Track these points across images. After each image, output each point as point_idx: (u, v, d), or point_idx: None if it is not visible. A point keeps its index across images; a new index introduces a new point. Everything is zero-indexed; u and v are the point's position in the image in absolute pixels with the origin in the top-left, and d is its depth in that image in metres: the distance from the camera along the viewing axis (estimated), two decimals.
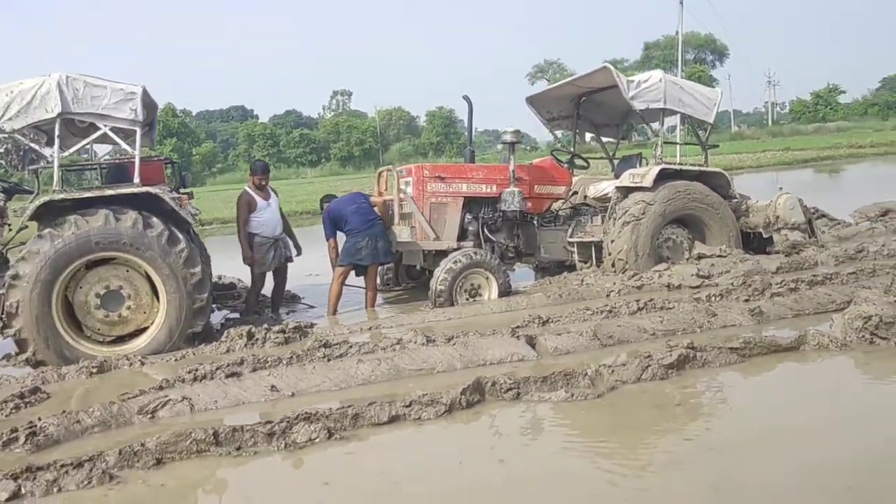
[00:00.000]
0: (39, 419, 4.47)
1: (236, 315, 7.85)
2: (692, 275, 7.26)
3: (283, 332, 6.48)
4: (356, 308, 8.00)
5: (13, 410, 4.98)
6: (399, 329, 6.55)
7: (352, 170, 64.29)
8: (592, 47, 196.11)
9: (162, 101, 7.25)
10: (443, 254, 7.71)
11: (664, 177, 7.84)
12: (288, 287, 8.90)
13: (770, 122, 73.51)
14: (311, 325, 6.83)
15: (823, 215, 10.00)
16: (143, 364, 6.07)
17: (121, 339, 6.50)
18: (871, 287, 5.87)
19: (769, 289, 6.46)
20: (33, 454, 4.16)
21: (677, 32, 37.74)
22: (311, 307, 8.53)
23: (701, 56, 71.61)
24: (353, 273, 7.83)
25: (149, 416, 4.69)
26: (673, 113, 8.19)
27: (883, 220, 10.38)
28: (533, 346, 5.49)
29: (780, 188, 8.73)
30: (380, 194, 8.31)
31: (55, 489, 3.66)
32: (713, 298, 6.40)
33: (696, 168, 8.20)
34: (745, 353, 4.90)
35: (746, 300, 6.28)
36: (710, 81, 59.82)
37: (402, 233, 7.73)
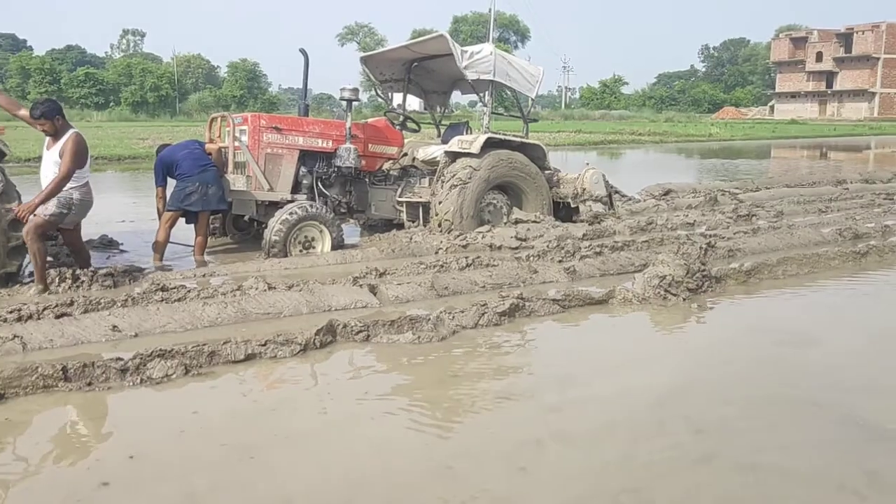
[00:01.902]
0: None
1: (49, 258, 7.31)
2: (511, 237, 7.92)
3: (112, 274, 6.23)
4: (182, 256, 7.79)
5: None
6: (235, 276, 6.55)
7: (145, 116, 59.91)
8: (402, 15, 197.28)
9: None
10: (276, 205, 7.72)
11: (490, 145, 8.41)
12: (105, 232, 8.45)
13: (563, 106, 78.95)
14: (141, 270, 6.62)
15: (617, 191, 11.18)
16: None
17: None
18: (660, 253, 6.80)
19: (579, 252, 7.27)
20: None
21: (490, 10, 39.05)
22: (125, 252, 8.16)
23: (505, 35, 74.87)
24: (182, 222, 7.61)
25: None
26: (501, 86, 8.77)
27: (665, 199, 11.86)
28: (375, 294, 5.79)
29: (587, 163, 9.69)
30: (211, 141, 8.10)
31: None
32: (532, 258, 7.07)
33: (519, 139, 8.87)
34: (565, 305, 5.57)
35: (560, 261, 7.02)
36: None
37: (236, 182, 7.63)
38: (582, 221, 9.05)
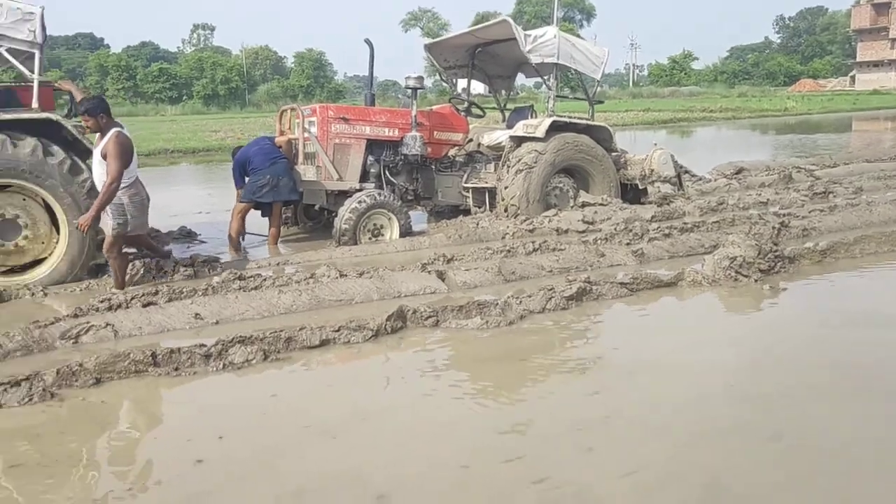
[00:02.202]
0: None
1: (132, 250, 7.69)
2: (578, 220, 7.90)
3: (192, 265, 6.52)
4: (256, 245, 8.07)
5: None
6: (308, 265, 6.76)
7: (216, 109, 61.64)
8: None
9: None
10: (345, 194, 7.91)
11: (555, 128, 8.39)
12: (184, 223, 8.83)
13: (631, 84, 77.32)
14: (218, 259, 6.89)
15: (686, 171, 10.97)
16: (45, 294, 5.97)
17: (16, 270, 6.29)
18: (731, 234, 6.68)
19: (647, 234, 7.20)
20: None
21: None
22: (204, 242, 8.50)
23: (570, 14, 73.71)
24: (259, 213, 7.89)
25: (72, 341, 4.71)
26: (565, 68, 8.72)
27: (737, 178, 11.57)
28: (443, 280, 5.90)
29: (655, 144, 9.54)
30: (281, 133, 8.33)
31: None
32: (599, 241, 7.05)
33: (584, 122, 8.81)
34: (633, 288, 5.55)
35: (628, 244, 6.97)
36: None
37: (306, 172, 7.84)
38: (650, 203, 8.94)
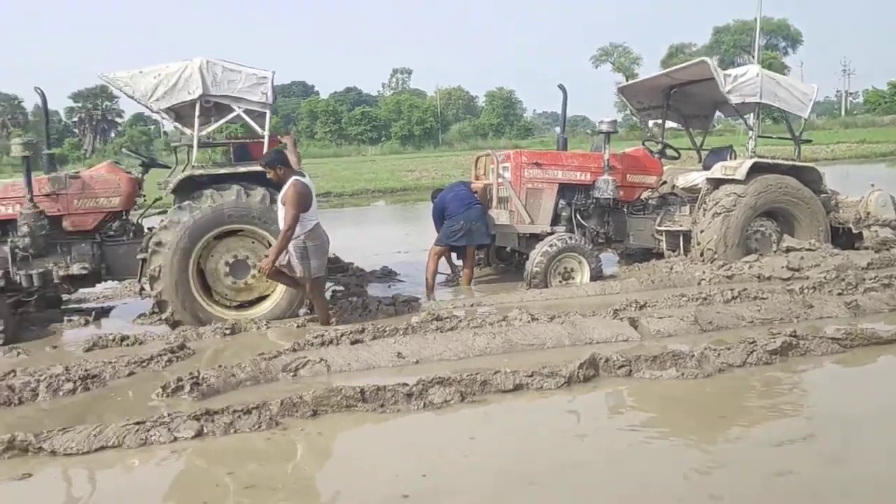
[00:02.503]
0: (199, 372, 5.03)
1: (341, 288, 8.35)
2: (782, 267, 7.47)
3: (393, 304, 6.96)
4: (451, 285, 8.44)
5: (167, 363, 5.59)
6: (500, 307, 6.96)
7: (412, 149, 64.90)
8: (658, 31, 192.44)
9: None
10: (537, 237, 8.08)
11: (756, 170, 8.04)
12: (385, 263, 9.44)
13: (843, 112, 71.33)
14: (417, 299, 7.30)
15: None
16: (268, 328, 6.64)
17: (244, 305, 7.06)
18: None
19: (862, 283, 6.66)
20: (198, 401, 4.72)
21: (756, 18, 36.71)
22: (402, 281, 9.02)
23: (773, 42, 69.67)
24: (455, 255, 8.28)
25: (291, 373, 5.22)
26: (768, 107, 8.36)
27: None
28: (635, 328, 5.84)
29: (873, 185, 8.81)
30: (476, 178, 8.70)
31: (232, 430, 4.21)
32: (806, 290, 6.62)
33: (789, 162, 8.36)
34: (846, 344, 5.17)
35: (840, 294, 6.50)
36: (781, 69, 58.39)
37: (500, 216, 8.12)
38: (866, 249, 8.24)
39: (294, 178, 6.14)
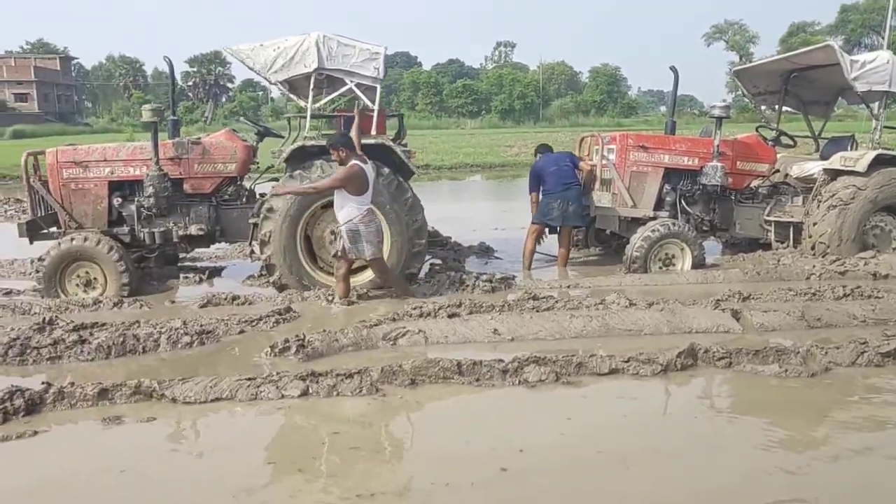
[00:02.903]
0: (304, 335, 5.29)
1: (439, 261, 8.51)
2: None
3: (490, 281, 7.05)
4: (546, 266, 8.44)
5: (275, 324, 5.89)
6: (597, 290, 6.93)
7: (511, 123, 64.44)
8: (779, 8, 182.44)
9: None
10: (638, 221, 7.96)
11: (879, 162, 7.63)
12: (482, 239, 9.52)
13: None
14: (513, 277, 7.35)
15: None
16: (369, 297, 6.86)
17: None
18: None
19: None
20: (303, 363, 4.98)
21: None
22: (500, 259, 9.08)
23: None
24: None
25: (391, 342, 5.41)
26: None
27: None
28: (737, 320, 5.72)
29: None
30: (581, 158, 8.61)
31: (335, 392, 4.42)
32: None
33: None
34: None
35: None
36: None
37: (602, 198, 8.04)
38: None
39: (354, 162, 6.26)
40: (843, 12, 67.72)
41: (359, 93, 7.07)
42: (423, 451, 3.70)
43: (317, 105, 7.07)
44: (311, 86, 6.94)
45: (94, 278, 7.01)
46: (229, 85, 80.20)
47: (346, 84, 7.05)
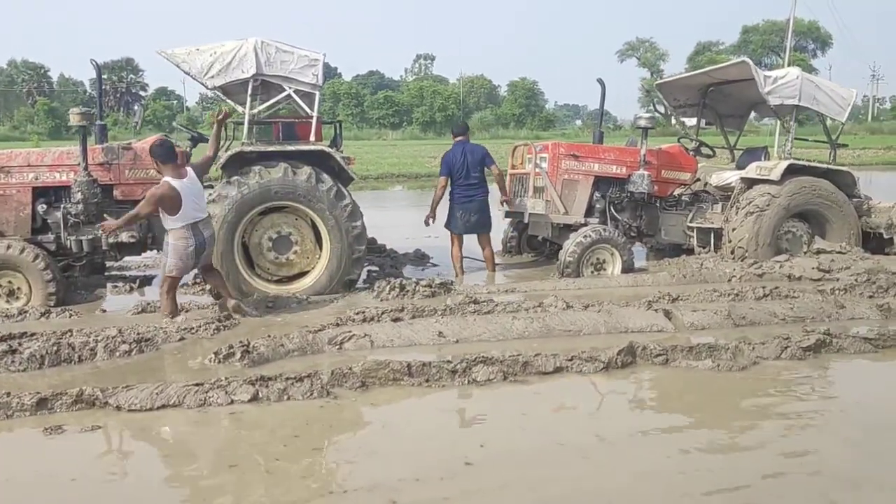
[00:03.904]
0: (249, 340, 5.23)
1: (376, 268, 8.54)
2: (813, 268, 7.56)
3: (430, 286, 7.11)
4: (479, 270, 8.59)
5: (215, 331, 5.78)
6: (534, 294, 7.10)
7: (432, 135, 64.87)
8: (686, 28, 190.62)
9: None
10: (570, 228, 8.22)
11: (791, 171, 8.13)
12: (417, 246, 9.60)
13: (870, 118, 70.64)
14: (451, 282, 7.46)
15: None
16: (309, 303, 6.82)
17: (284, 280, 7.25)
18: None
19: (894, 287, 6.76)
20: (249, 368, 4.92)
21: (789, 19, 36.39)
22: (436, 265, 9.19)
23: (802, 44, 68.93)
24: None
25: (337, 346, 5.41)
26: (806, 110, 8.43)
27: None
28: (670, 319, 5.99)
29: None
30: (513, 167, 8.81)
31: (285, 397, 4.40)
32: (837, 292, 6.73)
33: (824, 166, 8.44)
34: (878, 344, 5.31)
35: (871, 296, 6.61)
36: (809, 71, 57.76)
37: (534, 205, 8.26)
38: None
39: (165, 179, 5.82)
40: (745, 33, 71.44)
41: (297, 99, 7.05)
42: (386, 449, 3.73)
43: (254, 111, 7.01)
44: (249, 91, 6.88)
45: (18, 288, 6.74)
46: (142, 93, 77.75)
47: (283, 90, 7.02)
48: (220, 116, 6.49)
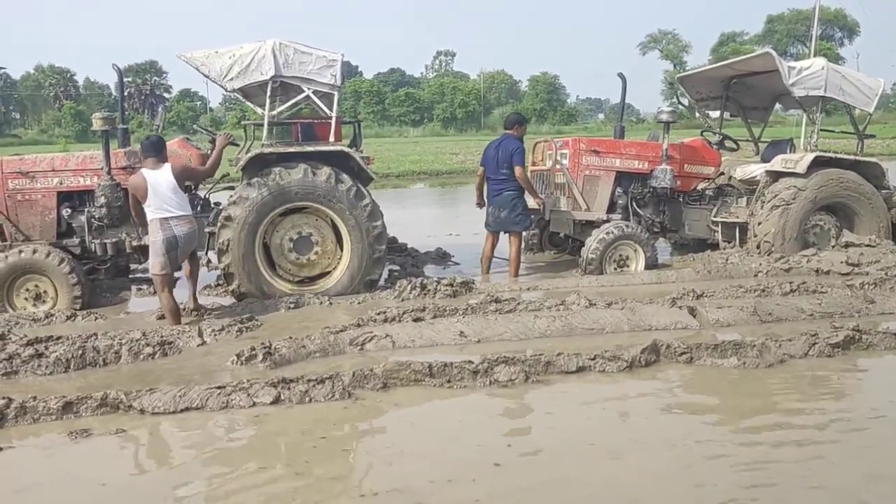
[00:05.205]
0: (270, 342, 5.24)
1: (397, 268, 8.53)
2: (841, 262, 7.43)
3: (452, 285, 7.09)
4: (505, 269, 8.54)
5: (238, 333, 5.82)
6: (556, 292, 7.06)
7: (454, 131, 64.88)
8: (709, 18, 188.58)
9: None
10: (592, 224, 8.15)
11: (818, 164, 7.99)
12: (439, 245, 9.58)
13: None
14: (473, 281, 7.42)
15: None
16: (330, 304, 6.83)
17: (305, 281, 7.27)
18: None
19: None
20: (271, 370, 4.94)
21: (814, 7, 35.86)
22: (458, 264, 9.17)
23: (828, 32, 67.82)
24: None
25: (358, 347, 5.41)
26: (832, 101, 8.27)
27: None
28: (694, 316, 5.90)
29: None
30: (533, 164, 8.75)
31: (307, 399, 4.40)
32: (867, 286, 6.60)
33: (851, 157, 8.28)
34: None
35: None
36: (836, 60, 56.88)
37: (556, 202, 8.20)
38: None
39: (142, 170, 6.08)
40: (770, 22, 70.49)
41: (316, 100, 7.06)
42: (413, 450, 3.72)
43: (273, 113, 7.03)
44: (268, 93, 6.90)
45: (45, 291, 6.83)
46: (166, 95, 78.58)
47: (302, 91, 7.03)
48: (228, 140, 6.77)
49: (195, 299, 6.68)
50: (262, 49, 6.79)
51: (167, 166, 6.09)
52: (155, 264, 6.08)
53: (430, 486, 3.29)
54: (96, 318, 6.41)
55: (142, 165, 6.19)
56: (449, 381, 4.67)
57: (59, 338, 5.53)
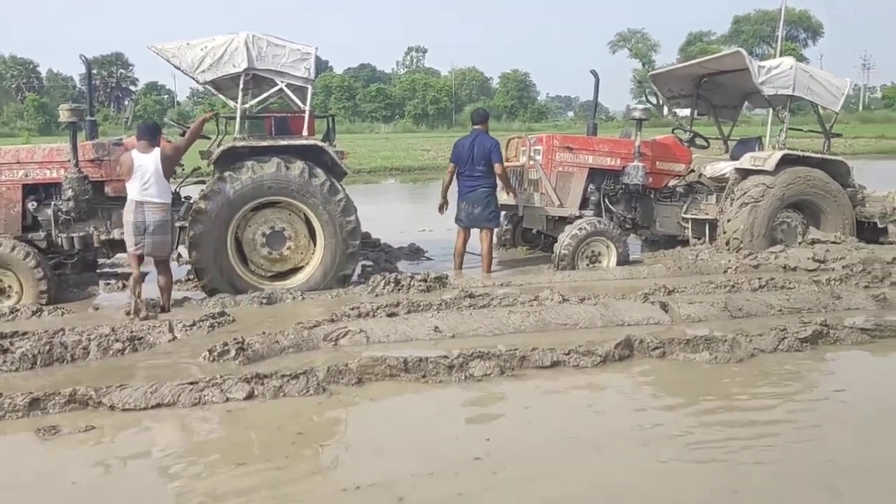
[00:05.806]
0: (243, 338, 5.18)
1: (370, 263, 8.49)
2: (808, 258, 7.57)
3: (426, 280, 7.08)
4: (477, 265, 8.55)
5: (210, 329, 5.74)
6: (529, 287, 7.08)
7: (425, 128, 64.77)
8: (677, 18, 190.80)
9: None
10: (565, 220, 8.19)
11: (786, 162, 8.12)
12: (412, 240, 9.56)
13: (861, 107, 70.80)
14: (447, 276, 7.41)
15: None
16: (303, 299, 6.78)
17: (278, 276, 7.20)
18: None
19: (889, 277, 6.77)
20: (244, 366, 4.88)
21: (780, 8, 36.45)
22: (431, 259, 9.16)
23: (793, 33, 68.98)
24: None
25: (332, 343, 5.37)
26: (799, 100, 8.41)
27: None
28: (666, 312, 5.97)
29: None
30: (507, 160, 8.75)
31: (281, 394, 4.36)
32: (833, 282, 6.73)
33: (818, 156, 8.43)
34: (875, 335, 5.30)
35: (867, 286, 6.61)
36: (800, 60, 57.83)
37: (529, 198, 8.22)
38: (891, 243, 8.34)
39: (133, 150, 6.31)
40: (736, 23, 71.50)
41: (289, 93, 6.99)
42: (392, 445, 3.70)
43: (246, 106, 6.95)
44: (241, 86, 6.82)
45: (9, 286, 6.67)
46: (132, 88, 77.31)
47: (275, 85, 6.96)
48: (209, 114, 6.56)
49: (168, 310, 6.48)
50: (235, 41, 6.70)
51: (157, 151, 6.25)
52: (129, 242, 6.36)
53: (412, 480, 3.28)
54: (63, 314, 6.29)
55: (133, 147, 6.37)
56: (424, 376, 4.66)
57: (24, 333, 5.42)
